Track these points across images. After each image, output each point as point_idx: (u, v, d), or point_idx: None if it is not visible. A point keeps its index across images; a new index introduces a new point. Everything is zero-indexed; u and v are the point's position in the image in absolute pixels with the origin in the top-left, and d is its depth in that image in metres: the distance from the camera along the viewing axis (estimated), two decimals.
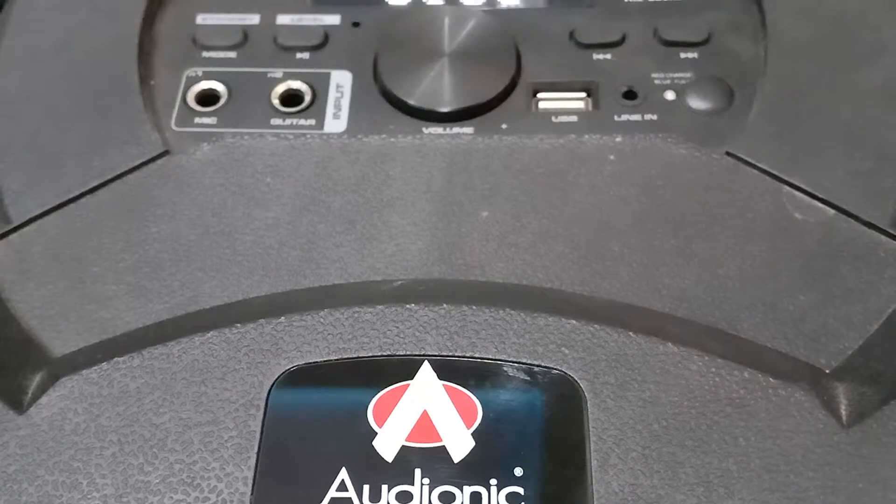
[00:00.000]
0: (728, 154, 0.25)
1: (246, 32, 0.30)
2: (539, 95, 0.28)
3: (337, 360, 0.19)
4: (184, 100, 0.28)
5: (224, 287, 0.23)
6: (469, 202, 0.25)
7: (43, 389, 0.20)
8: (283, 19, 0.30)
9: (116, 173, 0.26)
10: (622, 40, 0.29)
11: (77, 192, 0.25)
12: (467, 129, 0.27)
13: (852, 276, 0.23)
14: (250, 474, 0.19)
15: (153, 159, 0.26)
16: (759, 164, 0.25)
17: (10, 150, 0.27)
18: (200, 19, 0.30)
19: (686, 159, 0.25)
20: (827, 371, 0.21)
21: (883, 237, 0.24)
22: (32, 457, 0.19)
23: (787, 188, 0.25)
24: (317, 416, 0.19)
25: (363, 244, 0.24)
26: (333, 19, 0.30)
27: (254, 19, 0.30)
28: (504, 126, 0.27)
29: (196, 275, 0.24)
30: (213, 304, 0.22)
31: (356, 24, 0.30)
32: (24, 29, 0.30)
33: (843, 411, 0.19)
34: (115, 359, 0.19)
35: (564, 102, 0.28)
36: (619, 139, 0.26)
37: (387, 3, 0.31)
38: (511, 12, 0.30)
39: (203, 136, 0.27)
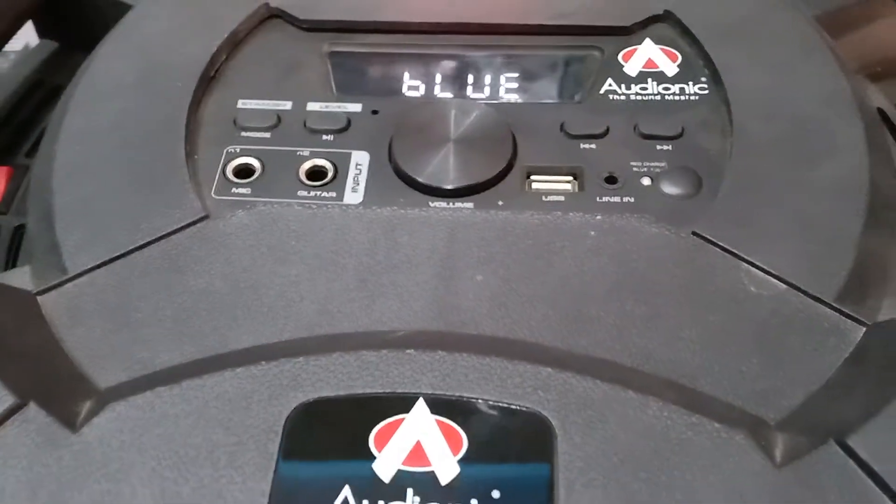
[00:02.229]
0: (694, 234, 0.29)
1: (280, 116, 0.34)
2: (532, 177, 0.32)
3: (345, 395, 0.23)
4: (223, 172, 0.32)
5: (250, 333, 0.27)
6: (466, 267, 0.29)
7: (93, 413, 0.23)
8: (313, 106, 0.35)
9: (161, 234, 0.30)
10: (606, 132, 0.33)
11: (126, 249, 0.29)
12: (468, 204, 0.31)
13: (800, 344, 0.26)
14: (268, 489, 0.22)
15: (194, 223, 0.30)
16: (721, 244, 0.29)
17: (69, 211, 0.31)
18: (241, 104, 0.35)
19: (657, 237, 0.29)
20: (770, 423, 0.24)
21: (828, 310, 0.27)
22: (83, 469, 0.22)
23: (745, 265, 0.28)
24: (326, 442, 0.23)
25: (372, 300, 0.28)
26: (356, 107, 0.35)
27: (287, 105, 0.35)
28: (500, 203, 0.31)
29: (226, 322, 0.27)
30: (239, 345, 0.26)
31: (375, 112, 0.35)
32: (84, 108, 0.34)
33: (778, 454, 0.22)
34: (157, 388, 0.23)
35: (553, 184, 0.32)
36: (599, 217, 0.30)
37: (402, 94, 0.36)
38: (509, 106, 0.35)
39: (238, 204, 0.31)
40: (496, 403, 0.22)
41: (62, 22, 0.43)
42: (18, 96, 0.44)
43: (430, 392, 0.23)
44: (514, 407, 0.23)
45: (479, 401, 0.23)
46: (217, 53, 0.36)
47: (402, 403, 0.23)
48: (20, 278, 0.29)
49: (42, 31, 0.46)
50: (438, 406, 0.23)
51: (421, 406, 0.23)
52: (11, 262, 0.37)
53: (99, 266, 0.29)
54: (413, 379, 0.23)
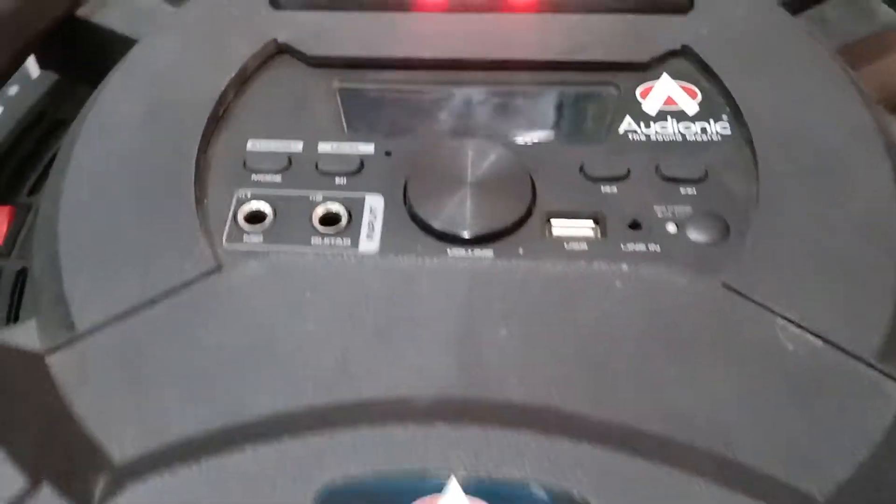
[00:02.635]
0: (724, 286, 0.28)
1: (290, 158, 0.33)
2: (552, 222, 0.31)
3: (373, 473, 0.22)
4: (234, 218, 0.31)
5: (268, 395, 0.26)
6: (489, 322, 0.28)
7: (110, 494, 0.22)
8: (324, 146, 0.34)
9: (172, 286, 0.29)
10: (627, 175, 0.32)
11: (136, 304, 0.28)
12: (487, 253, 0.30)
13: (841, 407, 0.25)
14: None
15: (206, 274, 0.29)
16: (753, 297, 0.28)
17: (76, 260, 0.30)
18: (251, 144, 0.34)
19: (686, 290, 0.28)
20: (820, 501, 0.23)
21: (869, 369, 0.26)
22: None
23: (780, 319, 0.27)
24: None
25: (393, 358, 0.27)
26: (368, 148, 0.34)
27: (297, 146, 0.34)
28: (521, 251, 0.30)
29: (243, 383, 0.26)
30: (258, 411, 0.25)
31: (388, 154, 0.33)
32: (90, 148, 0.33)
33: None
34: (176, 467, 0.22)
35: (575, 230, 0.31)
36: (625, 268, 0.29)
37: (415, 133, 0.35)
38: (525, 146, 0.34)
39: (251, 253, 0.30)
40: (533, 482, 0.22)
41: (64, 54, 0.42)
42: (19, 131, 0.43)
43: (462, 471, 0.22)
44: (552, 487, 0.22)
45: (516, 480, 0.22)
46: (225, 92, 0.35)
47: (433, 483, 0.22)
48: (26, 335, 0.28)
49: (43, 63, 0.45)
50: (472, 486, 0.22)
51: (453, 486, 0.22)
52: (14, 309, 0.36)
53: (108, 322, 0.28)
54: (444, 456, 0.22)
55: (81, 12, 0.40)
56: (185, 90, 0.35)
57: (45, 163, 0.41)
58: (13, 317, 0.35)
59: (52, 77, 0.44)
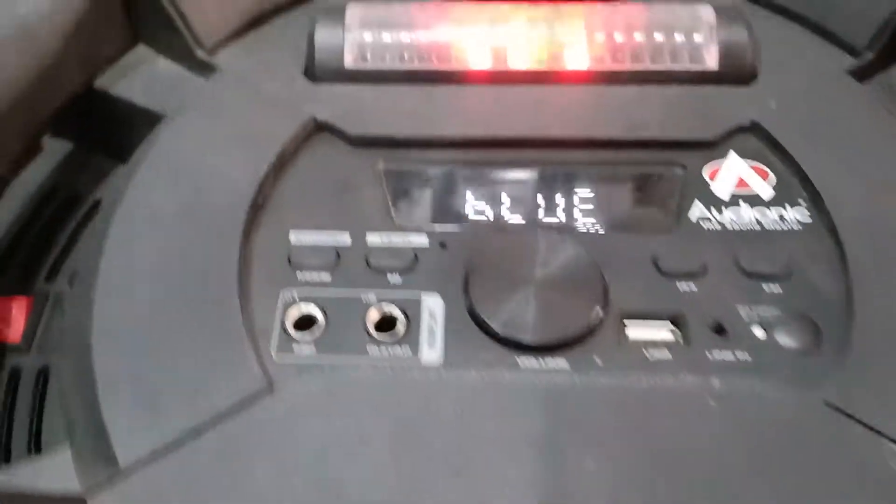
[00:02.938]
0: (826, 403, 0.26)
1: (338, 252, 0.31)
2: (628, 325, 0.29)
3: None
4: (282, 326, 0.29)
5: None
6: (571, 449, 0.25)
7: None
8: (373, 238, 0.31)
9: (221, 411, 0.26)
10: (704, 270, 0.30)
11: (182, 434, 0.26)
12: (561, 363, 0.28)
13: None
14: None
15: (257, 395, 0.26)
16: (858, 416, 0.26)
17: (113, 382, 0.27)
18: (294, 237, 0.31)
19: (785, 408, 0.26)
20: None
21: None
22: None
23: (888, 443, 0.25)
24: None
25: (466, 493, 0.25)
26: (421, 239, 0.31)
27: (345, 238, 0.31)
28: (598, 361, 0.28)
29: None
30: None
31: (443, 245, 0.31)
32: (122, 247, 0.30)
33: None
34: None
35: (654, 333, 0.29)
36: (716, 383, 0.27)
37: (469, 221, 0.32)
38: (591, 236, 0.31)
39: (303, 367, 0.28)
40: None
41: (79, 123, 0.39)
42: (32, 208, 0.40)
43: None
44: None
45: None
46: (265, 178, 0.32)
47: None
48: (63, 472, 0.26)
49: (55, 131, 0.42)
50: None
51: None
52: (37, 414, 0.33)
53: (154, 457, 0.25)
54: None
55: (100, 83, 0.37)
56: (222, 177, 0.32)
57: (62, 244, 0.39)
58: (35, 424, 0.33)
59: (65, 146, 0.42)
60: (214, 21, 0.36)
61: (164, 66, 0.37)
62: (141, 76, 0.37)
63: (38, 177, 0.41)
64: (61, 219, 0.40)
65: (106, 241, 0.30)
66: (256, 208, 0.32)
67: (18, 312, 0.35)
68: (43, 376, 0.34)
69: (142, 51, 0.38)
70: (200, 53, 0.36)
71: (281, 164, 0.33)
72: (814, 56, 0.36)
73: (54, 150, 0.41)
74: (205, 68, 0.36)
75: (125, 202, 0.31)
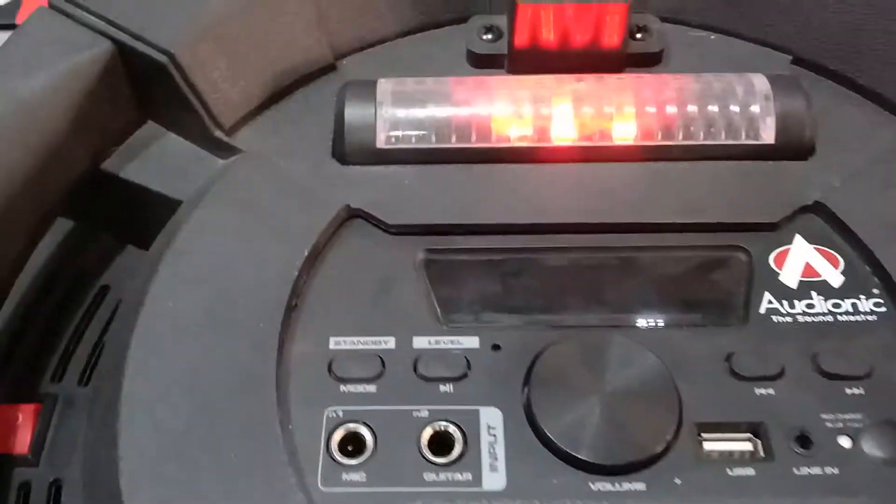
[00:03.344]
0: None
1: (383, 360, 0.28)
2: (705, 437, 0.26)
3: None
4: (328, 449, 0.26)
5: None
6: None
7: None
8: (420, 342, 0.29)
9: None
10: (781, 372, 0.28)
11: None
12: (639, 486, 0.25)
13: None
14: None
15: None
16: None
17: None
18: (334, 343, 0.29)
19: None
20: None
21: None
22: None
23: None
24: None
25: None
26: (472, 341, 0.29)
27: (389, 342, 0.29)
28: (677, 481, 0.26)
29: None
30: None
31: (496, 348, 0.29)
32: (147, 362, 0.27)
33: None
34: None
35: (733, 444, 0.26)
36: None
37: (521, 316, 0.29)
38: (654, 332, 0.29)
39: (354, 499, 0.25)
40: None
41: (84, 203, 0.36)
42: (34, 295, 0.37)
43: None
44: None
45: None
46: (299, 276, 0.29)
47: None
48: None
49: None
50: None
51: None
52: None
53: None
54: None
55: (107, 166, 0.34)
56: (251, 277, 0.29)
57: (69, 335, 0.36)
58: None
59: (67, 224, 0.39)
60: (233, 99, 0.33)
61: (178, 145, 0.34)
62: (152, 157, 0.34)
63: (39, 259, 0.38)
64: (67, 307, 0.37)
65: (128, 355, 0.28)
66: (291, 310, 0.29)
67: (25, 421, 0.32)
68: (55, 489, 0.32)
69: (151, 128, 0.35)
70: (219, 134, 0.33)
71: (314, 258, 0.30)
72: (870, 125, 0.34)
73: (55, 228, 0.38)
74: (223, 148, 0.33)
75: (147, 308, 0.28)
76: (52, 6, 0.33)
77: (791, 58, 0.36)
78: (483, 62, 0.36)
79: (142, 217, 0.35)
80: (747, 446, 0.27)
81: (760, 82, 0.33)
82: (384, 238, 0.31)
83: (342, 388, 0.28)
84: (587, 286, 0.30)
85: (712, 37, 0.37)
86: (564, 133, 0.33)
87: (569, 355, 0.28)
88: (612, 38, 0.34)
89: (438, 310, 0.30)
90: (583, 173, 0.33)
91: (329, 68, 0.36)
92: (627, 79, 0.34)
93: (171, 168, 0.34)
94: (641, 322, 0.29)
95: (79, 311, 0.36)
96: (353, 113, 0.33)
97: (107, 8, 0.32)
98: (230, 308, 0.29)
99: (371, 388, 0.28)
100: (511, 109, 0.33)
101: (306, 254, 0.30)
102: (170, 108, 0.33)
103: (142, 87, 0.33)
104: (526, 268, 0.31)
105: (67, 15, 0.33)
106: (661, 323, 0.29)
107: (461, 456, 0.26)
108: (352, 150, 0.33)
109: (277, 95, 0.35)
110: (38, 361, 0.35)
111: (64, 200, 0.33)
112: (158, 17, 0.32)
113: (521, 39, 0.35)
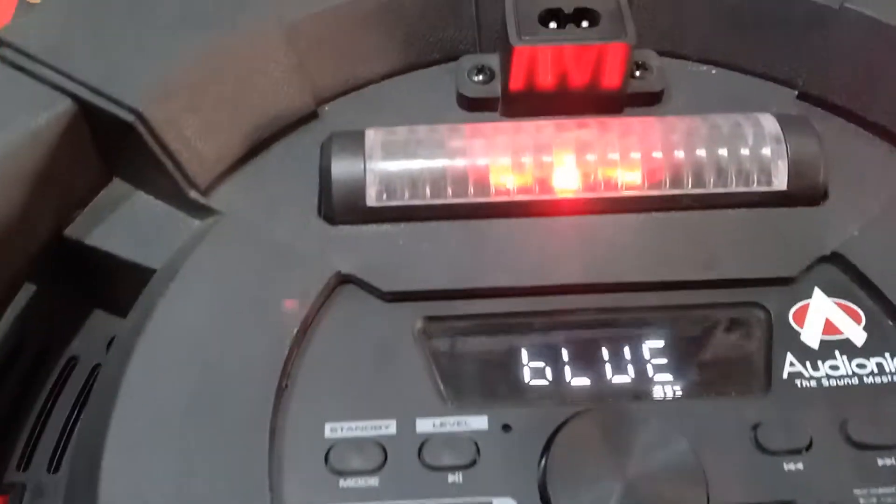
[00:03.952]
0: None
1: (385, 448, 0.26)
2: None
3: None
4: None
5: None
6: None
7: None
8: (424, 425, 0.26)
9: None
10: (810, 445, 0.26)
11: None
12: None
13: None
14: None
15: None
16: None
17: None
18: (330, 430, 0.26)
19: None
20: None
21: None
22: None
23: None
24: None
25: None
26: (480, 422, 0.26)
27: (390, 427, 0.26)
28: None
29: None
30: None
31: (507, 428, 0.26)
32: (123, 456, 0.25)
33: None
34: None
35: None
36: None
37: (530, 391, 0.27)
38: (675, 403, 0.27)
39: None
40: None
41: (46, 268, 0.33)
42: None
43: None
44: None
45: None
46: (289, 354, 0.27)
47: None
48: None
49: None
50: None
51: None
52: None
53: None
54: None
55: (71, 232, 0.31)
56: (237, 357, 0.27)
57: (36, 414, 0.33)
58: None
59: (28, 289, 0.36)
60: (208, 156, 0.30)
61: (148, 205, 0.31)
62: (121, 220, 0.31)
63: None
64: (31, 383, 0.34)
65: (103, 457, 0.25)
66: (281, 393, 0.27)
67: None
68: None
69: (118, 186, 0.32)
70: (194, 195, 0.30)
71: (304, 331, 0.28)
72: (884, 165, 0.32)
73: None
74: (199, 210, 0.31)
75: (122, 398, 0.26)
76: (4, 60, 0.30)
77: (797, 92, 0.35)
78: (475, 105, 0.34)
79: (112, 284, 0.32)
80: None
81: (770, 123, 0.32)
82: (379, 305, 0.29)
83: (342, 482, 0.25)
84: (599, 354, 0.28)
85: (713, 71, 0.36)
86: (568, 184, 0.31)
87: (586, 436, 0.26)
88: (612, 78, 0.32)
89: (442, 386, 0.28)
90: (589, 226, 0.30)
91: (311, 116, 0.33)
92: (632, 123, 0.32)
93: (142, 232, 0.31)
94: (659, 392, 0.27)
95: (45, 387, 0.33)
96: (341, 168, 0.30)
97: (66, 61, 0.30)
98: (215, 396, 0.26)
99: (373, 480, 0.25)
100: (510, 160, 0.31)
101: (296, 327, 0.28)
102: (139, 168, 0.31)
103: (107, 145, 0.31)
104: (531, 333, 0.29)
105: (22, 69, 0.30)
106: (679, 393, 0.27)
107: None
108: (340, 209, 0.30)
109: (256, 148, 0.32)
110: (1, 447, 0.32)
111: (25, 269, 0.31)
112: (123, 70, 0.29)
113: (517, 82, 0.32)
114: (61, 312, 0.34)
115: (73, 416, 0.32)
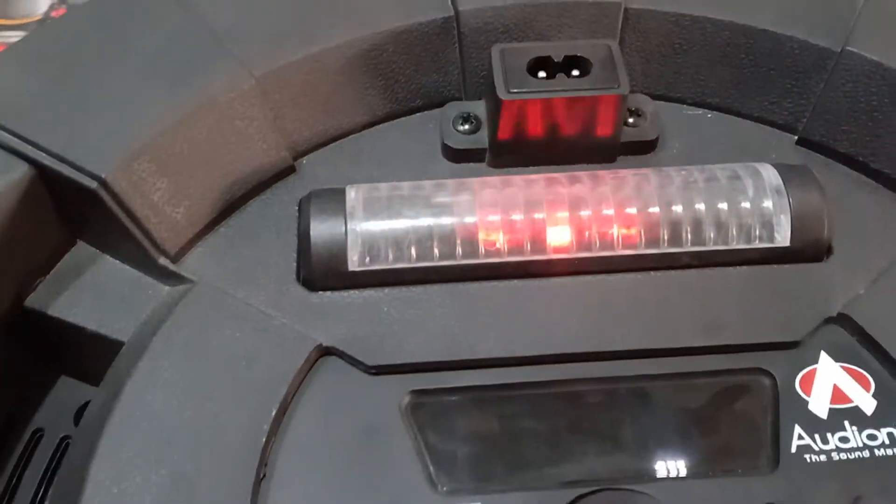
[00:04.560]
0: None
1: None
2: None
3: None
4: None
5: None
6: None
7: None
8: None
9: None
10: None
11: None
12: None
13: None
14: None
15: None
16: None
17: None
18: None
19: None
20: None
21: None
22: None
23: None
24: None
25: None
26: None
27: None
28: None
29: None
30: None
31: None
32: None
33: None
34: None
35: None
36: None
37: (531, 477, 0.25)
38: (676, 485, 0.25)
39: None
40: None
41: (11, 334, 0.30)
42: None
43: None
44: None
45: None
46: (268, 440, 0.25)
47: None
48: None
49: None
50: None
51: None
52: None
53: None
54: None
55: (32, 302, 0.29)
56: (211, 444, 0.25)
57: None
58: None
59: None
60: (178, 221, 0.28)
61: (115, 271, 0.29)
62: (85, 288, 0.29)
63: None
64: None
65: None
66: (259, 484, 0.25)
67: None
68: None
69: (83, 250, 0.30)
70: (163, 262, 0.28)
71: (283, 412, 0.26)
72: (890, 217, 0.31)
73: None
74: (169, 277, 0.29)
75: (87, 497, 0.24)
76: None
77: (796, 138, 0.33)
78: (461, 156, 0.32)
79: (79, 354, 0.30)
80: None
81: (770, 174, 0.30)
82: (363, 380, 0.27)
83: None
84: (600, 429, 0.27)
85: (709, 115, 0.34)
86: (561, 242, 0.29)
87: None
88: (604, 128, 0.31)
89: (431, 469, 0.26)
90: (584, 287, 0.29)
91: (289, 170, 0.31)
92: (626, 176, 0.30)
93: (109, 301, 0.29)
94: (663, 471, 0.26)
95: (8, 464, 0.31)
96: (320, 230, 0.28)
97: (24, 125, 0.27)
98: (188, 491, 0.24)
99: None
100: (500, 218, 0.29)
101: (274, 409, 0.26)
102: (104, 233, 0.29)
103: (70, 211, 0.29)
104: (527, 410, 0.27)
105: None
106: (684, 472, 0.26)
107: None
108: (320, 275, 0.28)
109: (232, 207, 0.30)
110: None
111: None
112: (86, 134, 0.27)
113: (505, 133, 0.31)
114: (26, 381, 0.33)
115: (41, 493, 0.31)
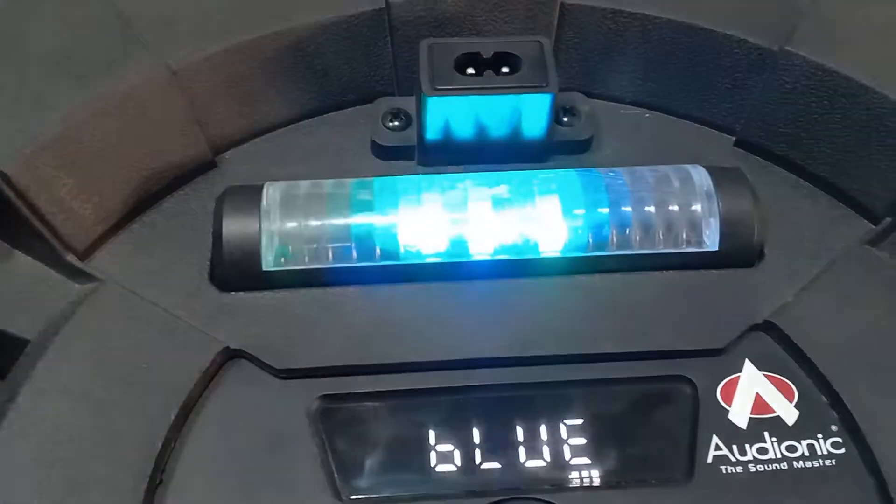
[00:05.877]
0: None
1: None
2: None
3: None
4: None
5: None
6: None
7: None
8: None
9: None
10: None
11: None
12: None
13: None
14: None
15: None
16: None
17: None
18: None
19: None
20: None
21: None
22: None
23: None
24: None
25: None
26: None
27: None
28: None
29: None
30: None
31: None
32: None
33: None
34: None
35: None
36: None
37: (438, 481, 0.25)
38: (588, 494, 0.25)
39: None
40: None
41: None
42: None
43: None
44: None
45: None
46: (165, 445, 0.24)
47: None
48: None
49: None
50: None
51: None
52: None
53: None
54: None
55: None
56: (106, 448, 0.24)
57: None
58: None
59: None
60: (86, 217, 0.27)
61: (23, 267, 0.28)
62: None
63: None
64: None
65: None
66: (154, 491, 0.24)
67: None
68: None
69: None
70: (71, 258, 0.27)
71: (184, 417, 0.25)
72: (825, 221, 0.30)
73: None
74: (78, 274, 0.28)
75: None
76: None
77: (734, 139, 0.33)
78: (390, 154, 0.31)
79: None
80: None
81: (701, 176, 0.29)
82: (272, 383, 0.26)
83: None
84: (514, 436, 0.26)
85: (647, 115, 0.34)
86: (483, 245, 0.28)
87: None
88: (534, 128, 0.30)
89: (336, 477, 0.25)
90: (505, 292, 0.28)
91: (209, 165, 0.31)
92: (553, 178, 0.29)
93: (17, 298, 0.28)
94: (577, 480, 0.25)
95: None
96: (233, 228, 0.27)
97: None
98: (80, 495, 0.23)
99: None
100: (421, 219, 0.28)
101: (174, 414, 0.25)
102: (11, 229, 0.28)
103: None
104: (439, 417, 0.26)
105: None
106: (598, 482, 0.25)
107: None
108: (232, 275, 0.27)
109: (147, 202, 0.30)
110: None
111: None
112: None
113: (433, 132, 0.30)
114: None
115: None
